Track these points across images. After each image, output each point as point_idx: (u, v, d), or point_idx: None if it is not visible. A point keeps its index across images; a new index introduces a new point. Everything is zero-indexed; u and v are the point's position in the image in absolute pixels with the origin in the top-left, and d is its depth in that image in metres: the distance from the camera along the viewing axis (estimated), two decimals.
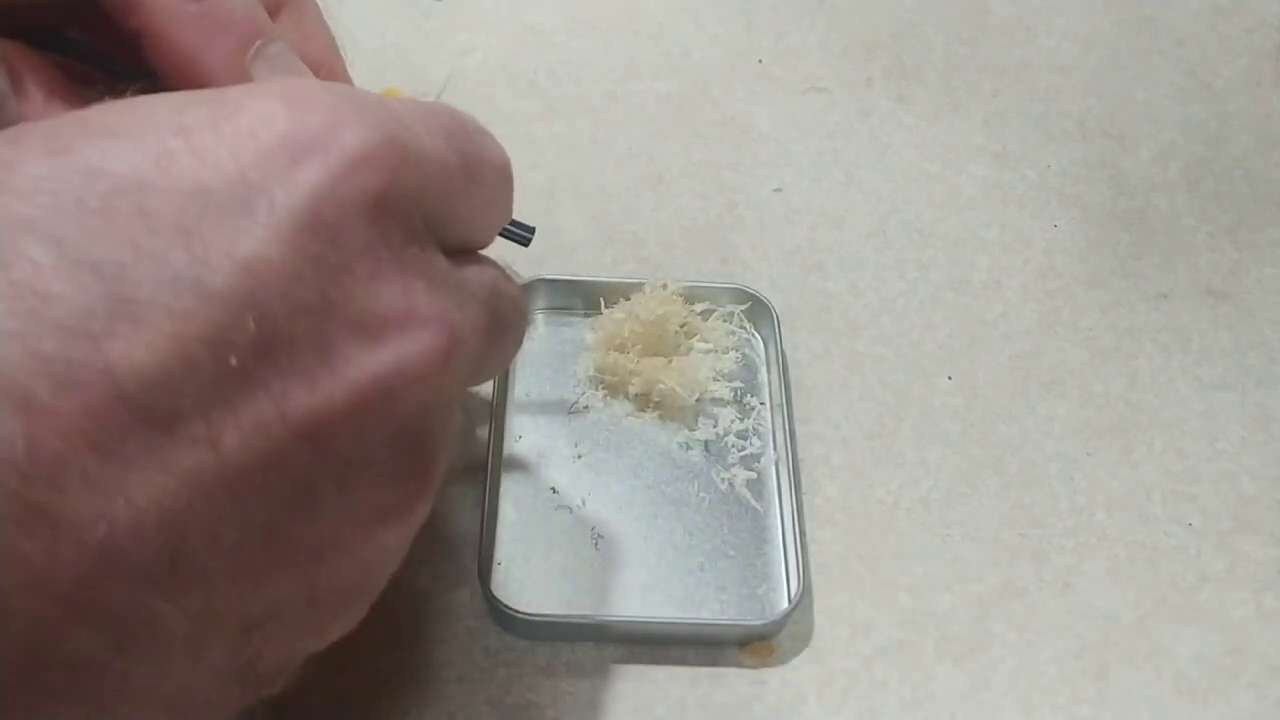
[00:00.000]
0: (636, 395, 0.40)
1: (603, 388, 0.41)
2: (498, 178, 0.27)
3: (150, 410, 0.18)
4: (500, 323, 0.26)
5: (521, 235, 0.36)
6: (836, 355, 0.43)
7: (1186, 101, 0.54)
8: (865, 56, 0.54)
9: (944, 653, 0.36)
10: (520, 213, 0.47)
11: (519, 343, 0.28)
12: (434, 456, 0.23)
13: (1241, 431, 0.42)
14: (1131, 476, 0.41)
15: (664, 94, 0.52)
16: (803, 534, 0.38)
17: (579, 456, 0.39)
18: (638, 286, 0.41)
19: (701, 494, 0.38)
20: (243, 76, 0.29)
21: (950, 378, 0.43)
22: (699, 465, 0.39)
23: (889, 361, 0.43)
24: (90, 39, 0.31)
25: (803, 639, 0.36)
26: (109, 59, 0.31)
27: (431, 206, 0.24)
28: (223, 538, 0.19)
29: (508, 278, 0.27)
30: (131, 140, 0.20)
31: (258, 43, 0.29)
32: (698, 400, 0.40)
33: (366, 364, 0.21)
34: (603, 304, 0.42)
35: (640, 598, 0.36)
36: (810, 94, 0.52)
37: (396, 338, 0.22)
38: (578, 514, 0.37)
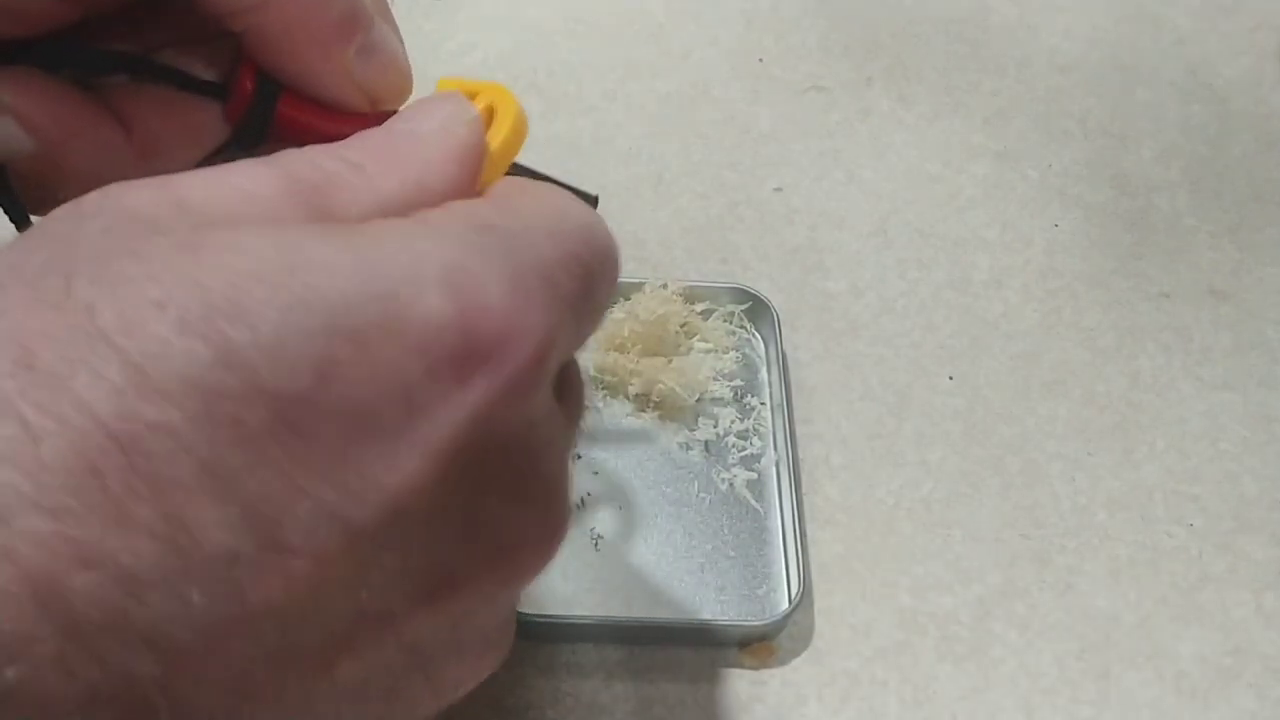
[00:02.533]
0: (636, 395, 0.40)
1: (603, 388, 0.41)
2: (612, 288, 0.25)
3: (284, 652, 0.18)
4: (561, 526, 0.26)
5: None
6: (837, 355, 0.43)
7: (1188, 101, 0.54)
8: (865, 56, 0.54)
9: (945, 653, 0.36)
10: None
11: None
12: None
13: (1243, 431, 0.42)
14: (1133, 477, 0.41)
15: (664, 94, 0.52)
16: (803, 534, 0.38)
17: (579, 456, 0.39)
18: (638, 286, 0.41)
19: (701, 494, 0.38)
20: (343, 70, 0.27)
21: (951, 378, 0.43)
22: (699, 465, 0.39)
23: (889, 361, 0.43)
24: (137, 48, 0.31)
25: (803, 639, 0.36)
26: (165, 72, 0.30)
27: (565, 351, 0.23)
28: None
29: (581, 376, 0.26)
30: (294, 340, 0.18)
31: (359, 36, 0.28)
32: (698, 400, 0.40)
33: (484, 583, 0.21)
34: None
35: (640, 598, 0.36)
36: (810, 94, 0.52)
37: (516, 554, 0.21)
38: (578, 514, 0.37)
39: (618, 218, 0.47)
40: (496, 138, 0.26)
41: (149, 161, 0.30)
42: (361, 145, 0.23)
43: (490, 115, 0.27)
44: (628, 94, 0.51)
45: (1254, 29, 0.57)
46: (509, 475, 0.21)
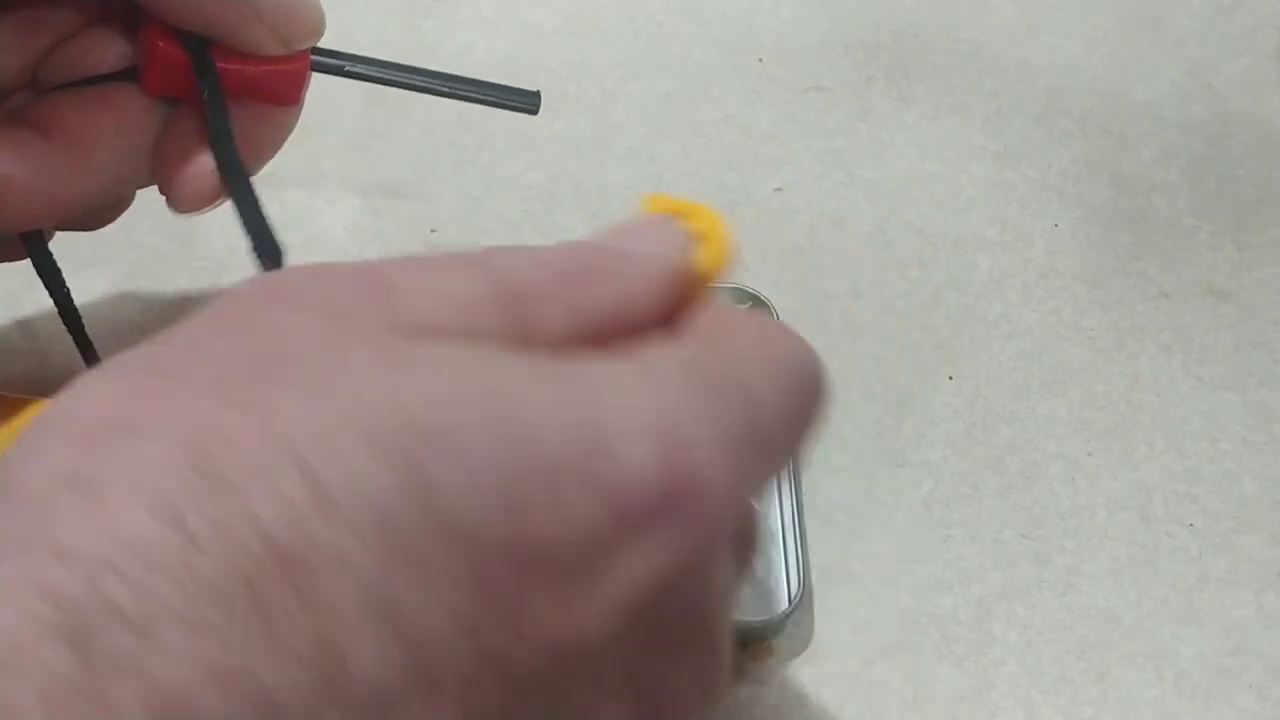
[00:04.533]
0: None
1: None
2: (815, 430, 0.23)
3: None
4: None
5: (526, 106, 0.34)
6: (837, 355, 0.43)
7: (1188, 101, 0.54)
8: (865, 56, 0.54)
9: (945, 654, 0.36)
10: (520, 212, 0.47)
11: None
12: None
13: (1243, 432, 0.42)
14: (1133, 477, 0.41)
15: (664, 94, 0.52)
16: (803, 534, 0.38)
17: None
18: None
19: None
20: (251, 13, 0.27)
21: (951, 378, 0.43)
22: None
23: (889, 361, 0.43)
24: None
25: (803, 640, 0.36)
26: None
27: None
28: None
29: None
30: (488, 476, 0.17)
31: None
32: None
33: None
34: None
35: None
36: (811, 93, 0.52)
37: (670, 709, 0.20)
38: None
39: (618, 218, 0.47)
40: (704, 262, 0.25)
41: (82, 159, 0.30)
42: (573, 256, 0.22)
43: (698, 237, 0.25)
44: (628, 94, 0.51)
45: (1254, 29, 0.57)
46: (676, 635, 0.19)
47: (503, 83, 0.35)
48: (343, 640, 0.15)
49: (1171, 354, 0.44)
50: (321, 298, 0.18)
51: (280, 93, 0.32)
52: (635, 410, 0.18)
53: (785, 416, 0.21)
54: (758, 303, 0.42)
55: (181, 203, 0.31)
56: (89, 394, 0.17)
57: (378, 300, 0.19)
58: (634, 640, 0.18)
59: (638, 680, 0.19)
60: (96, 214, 0.34)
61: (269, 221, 0.31)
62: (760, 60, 0.53)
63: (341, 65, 0.33)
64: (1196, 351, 0.44)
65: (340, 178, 0.47)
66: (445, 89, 0.35)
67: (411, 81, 0.34)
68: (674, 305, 0.23)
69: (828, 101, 0.52)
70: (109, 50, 0.31)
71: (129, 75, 0.30)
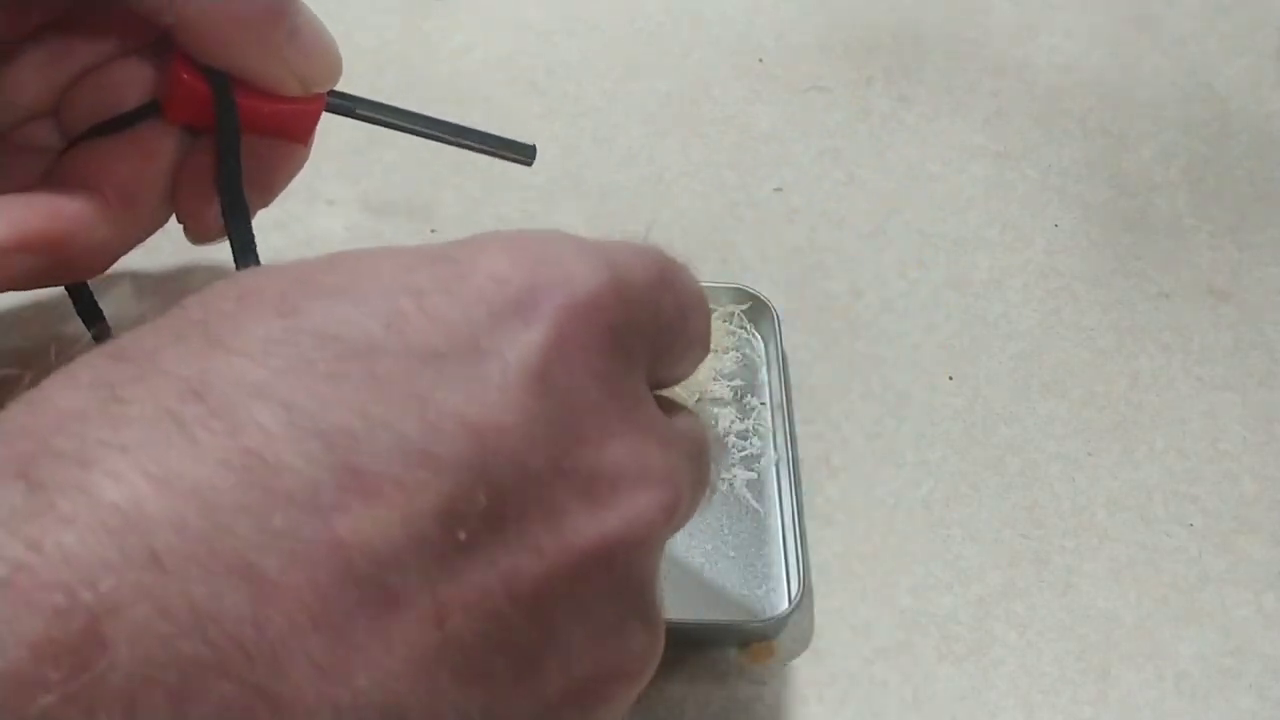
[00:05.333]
0: None
1: None
2: (701, 312, 0.26)
3: (378, 588, 0.17)
4: (704, 477, 0.25)
5: (521, 158, 0.36)
6: (836, 355, 0.43)
7: (1188, 101, 0.54)
8: (865, 56, 0.54)
9: (945, 654, 0.36)
10: (520, 212, 0.47)
11: (712, 491, 0.27)
12: (658, 618, 0.23)
13: (1243, 432, 0.42)
14: (1133, 477, 0.41)
15: (664, 94, 0.52)
16: (803, 534, 0.38)
17: None
18: None
19: None
20: (277, 55, 0.28)
21: (951, 377, 0.43)
22: None
23: (889, 361, 0.43)
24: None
25: (803, 640, 0.36)
26: None
27: (649, 349, 0.23)
28: None
29: (705, 426, 0.26)
30: (360, 301, 0.19)
31: (287, 18, 0.28)
32: (698, 400, 0.40)
33: (593, 529, 0.20)
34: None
35: None
36: (811, 93, 0.52)
37: (625, 499, 0.21)
38: None
39: (618, 218, 0.47)
40: None
41: (133, 209, 0.31)
42: None
43: None
44: (628, 94, 0.51)
45: (1254, 29, 0.57)
46: (597, 414, 0.21)
47: (502, 135, 0.37)
48: (261, 443, 0.17)
49: (1171, 354, 0.44)
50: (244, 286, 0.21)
51: (294, 131, 0.33)
52: (483, 238, 0.21)
53: (647, 260, 0.24)
54: (758, 303, 0.42)
55: (199, 236, 0.33)
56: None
57: (271, 291, 0.21)
58: (550, 427, 0.20)
59: (572, 464, 0.20)
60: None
61: (253, 239, 0.32)
62: (760, 60, 0.53)
63: (353, 108, 0.35)
64: (1196, 351, 0.44)
65: (340, 179, 0.47)
66: (448, 137, 0.37)
67: (416, 127, 0.36)
68: None
69: (828, 101, 0.52)
70: (133, 82, 0.32)
71: (152, 110, 0.31)
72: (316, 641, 0.17)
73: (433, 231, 0.46)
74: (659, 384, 0.25)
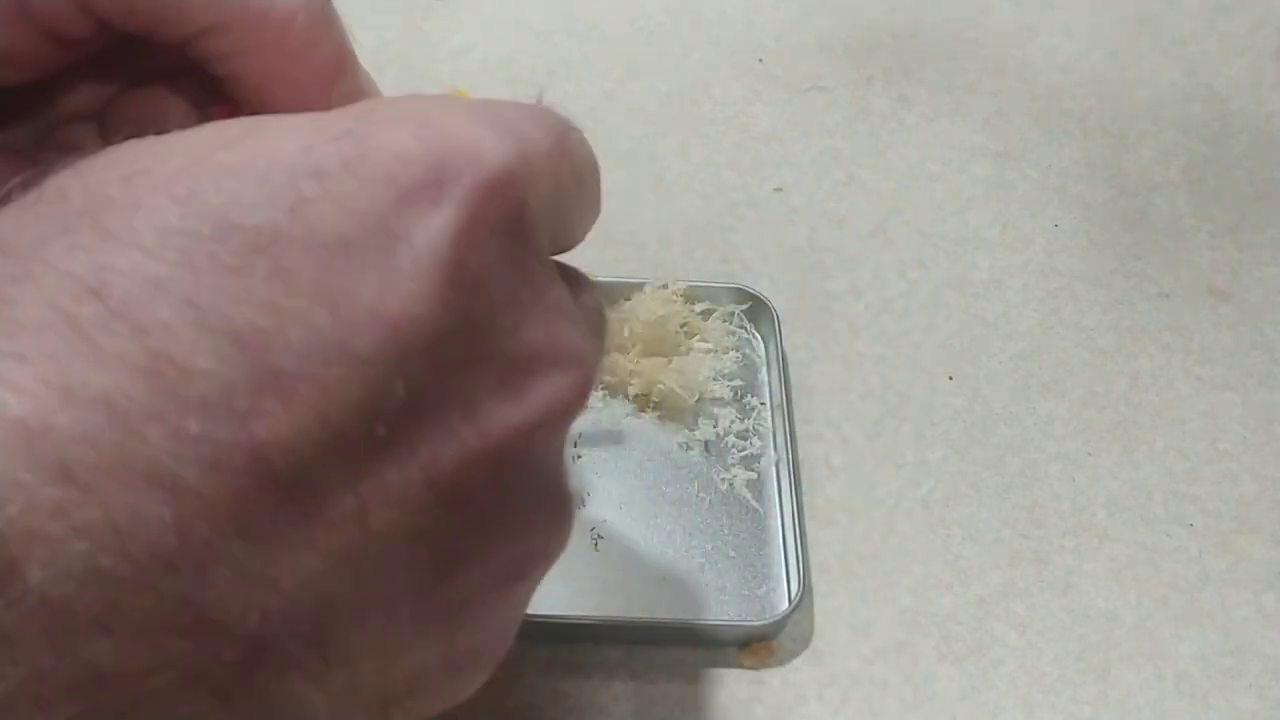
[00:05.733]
0: (636, 395, 0.40)
1: (602, 388, 0.41)
2: (594, 177, 0.25)
3: (300, 489, 0.17)
4: (603, 348, 0.25)
5: None
6: (836, 355, 0.43)
7: (1187, 101, 0.54)
8: (865, 56, 0.54)
9: (945, 653, 0.36)
10: None
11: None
12: (569, 496, 0.22)
13: (1243, 432, 0.42)
14: (1133, 477, 0.41)
15: (664, 94, 0.52)
16: (803, 534, 0.38)
17: (579, 457, 0.39)
18: (638, 287, 0.41)
19: (701, 494, 0.38)
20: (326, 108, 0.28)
21: (951, 378, 0.43)
22: (699, 465, 0.39)
23: (889, 361, 0.43)
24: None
25: (803, 640, 0.36)
26: None
27: (553, 221, 0.22)
28: (369, 615, 0.18)
29: (600, 296, 0.26)
30: (261, 184, 0.18)
31: (342, 81, 0.28)
32: (698, 400, 0.40)
33: (512, 415, 0.20)
34: (603, 304, 0.42)
35: (640, 598, 0.36)
36: (810, 93, 0.52)
37: (541, 384, 0.20)
38: (578, 514, 0.37)
39: (618, 218, 0.47)
40: None
41: None
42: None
43: None
44: (628, 94, 0.51)
45: (1254, 29, 0.57)
46: (511, 296, 0.20)
47: None
48: (169, 344, 0.16)
49: (1171, 354, 0.44)
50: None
51: None
52: (379, 109, 0.20)
53: (545, 120, 0.22)
54: (758, 303, 0.42)
55: None
56: None
57: (162, 172, 0.20)
58: (465, 315, 0.19)
59: (487, 355, 0.20)
60: None
61: None
62: (760, 60, 0.53)
63: None
64: (1196, 351, 0.44)
65: None
66: None
67: None
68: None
69: (828, 101, 0.52)
70: (174, 107, 0.31)
71: None
72: (240, 547, 0.16)
73: None
74: (556, 251, 0.24)
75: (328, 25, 0.27)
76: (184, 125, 0.32)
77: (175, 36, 0.26)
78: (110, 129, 0.32)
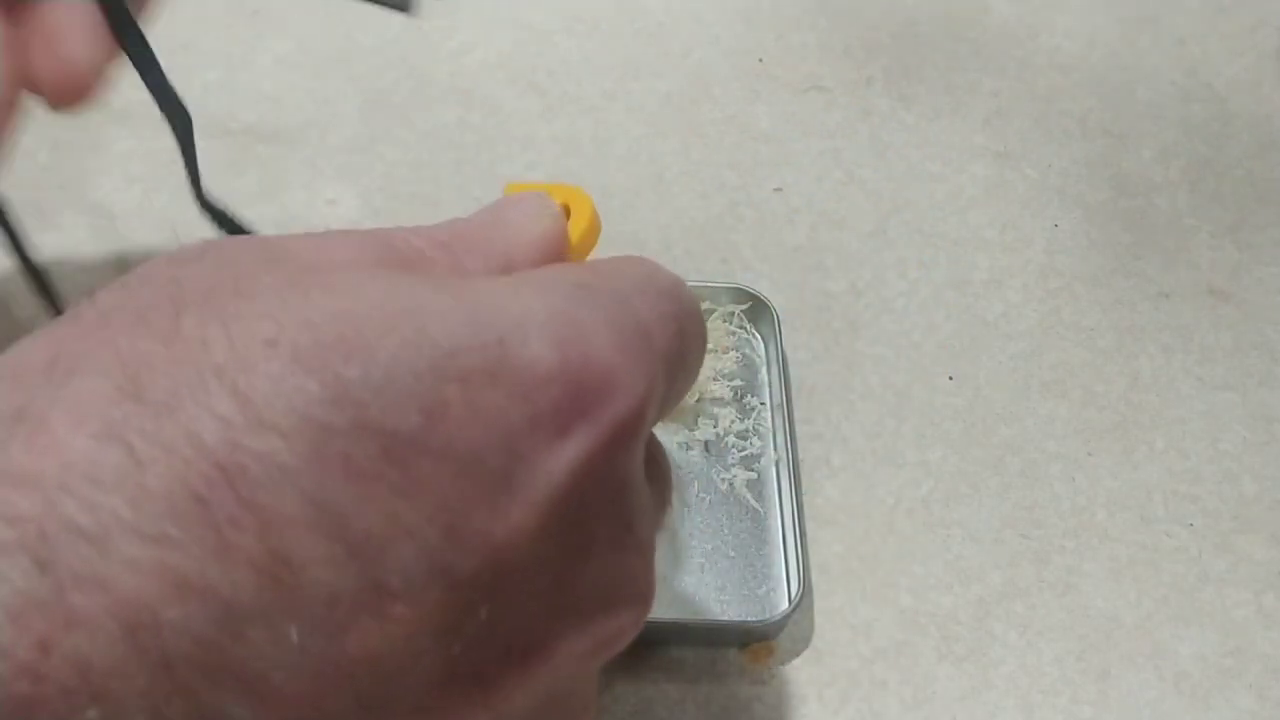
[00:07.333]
0: None
1: None
2: (700, 358, 0.25)
3: (374, 701, 0.17)
4: (666, 509, 0.25)
5: (397, 5, 0.35)
6: (836, 355, 0.43)
7: (1188, 101, 0.54)
8: (865, 56, 0.54)
9: (945, 654, 0.36)
10: None
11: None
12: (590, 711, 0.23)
13: (1243, 432, 0.42)
14: (1133, 477, 0.41)
15: (664, 94, 0.52)
16: (803, 534, 0.38)
17: None
18: None
19: (701, 494, 0.38)
20: None
21: (951, 378, 0.43)
22: (699, 465, 0.39)
23: (889, 361, 0.43)
24: None
25: (803, 640, 0.36)
26: None
27: (660, 415, 0.22)
28: None
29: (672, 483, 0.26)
30: (406, 380, 0.17)
31: None
32: (698, 400, 0.40)
33: (575, 645, 0.20)
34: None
35: None
36: (810, 93, 0.52)
37: (607, 618, 0.21)
38: None
39: (618, 218, 0.47)
40: (575, 231, 0.27)
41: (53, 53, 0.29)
42: (450, 228, 0.23)
43: (566, 211, 0.28)
44: (628, 94, 0.51)
45: (1254, 29, 0.57)
46: (606, 534, 0.20)
47: None
48: (289, 546, 0.16)
49: (1171, 354, 0.44)
50: (222, 253, 0.20)
51: None
52: (530, 310, 0.19)
53: (669, 326, 0.22)
54: (758, 303, 0.42)
55: (63, 95, 0.30)
56: (24, 346, 0.18)
57: (275, 250, 0.20)
58: (566, 541, 0.19)
59: (575, 585, 0.20)
60: None
61: (168, 79, 0.30)
62: (760, 60, 0.53)
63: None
64: (1196, 351, 0.44)
65: (341, 178, 0.47)
66: None
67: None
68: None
69: (828, 101, 0.52)
70: None
71: None
72: None
73: None
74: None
75: None
76: None
77: None
78: None
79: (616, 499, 0.20)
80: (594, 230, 0.28)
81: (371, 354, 0.17)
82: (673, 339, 0.22)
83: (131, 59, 0.30)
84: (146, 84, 0.30)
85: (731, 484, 0.38)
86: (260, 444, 0.16)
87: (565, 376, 0.19)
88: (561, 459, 0.19)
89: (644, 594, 0.22)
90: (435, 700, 0.18)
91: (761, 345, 0.42)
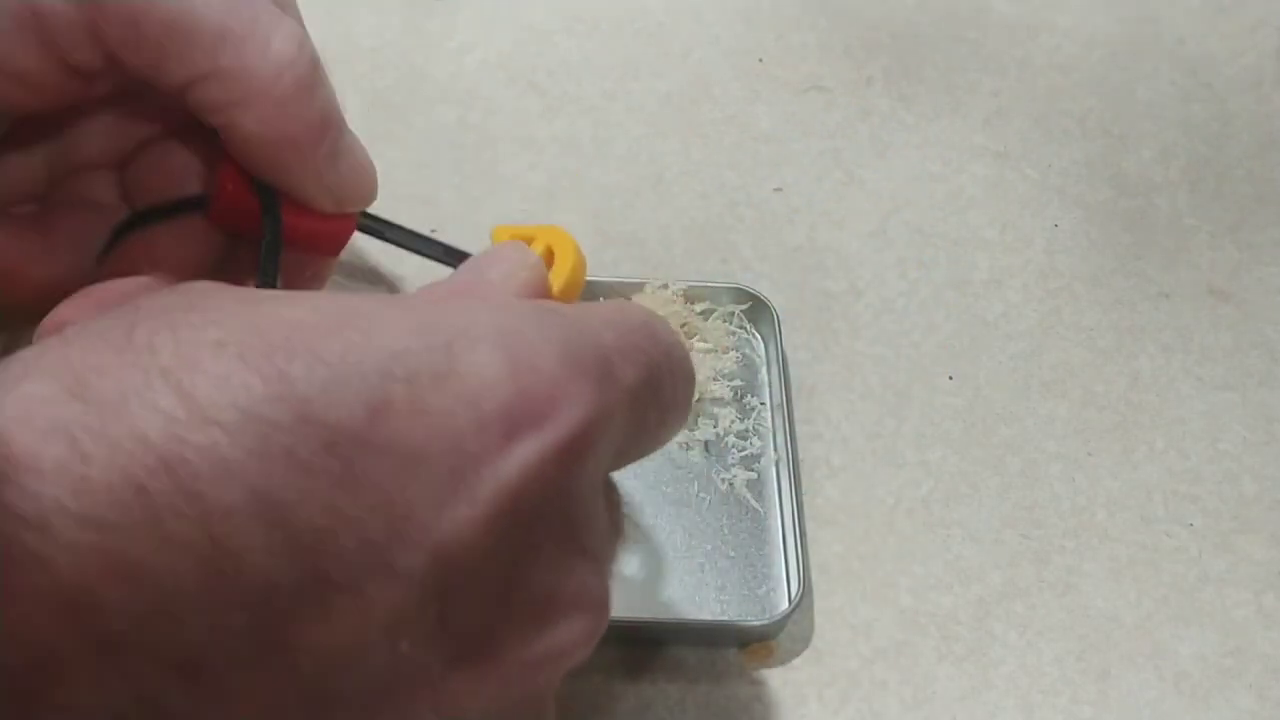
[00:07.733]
0: None
1: None
2: (685, 404, 0.25)
3: (318, 693, 0.17)
4: (619, 544, 0.25)
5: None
6: (836, 355, 0.43)
7: (1188, 101, 0.54)
8: (865, 56, 0.54)
9: (945, 654, 0.36)
10: (520, 212, 0.47)
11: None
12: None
13: (1243, 432, 0.42)
14: (1133, 477, 0.41)
15: (664, 94, 0.52)
16: (803, 534, 0.38)
17: None
18: (638, 287, 0.41)
19: (701, 494, 0.38)
20: (315, 171, 0.28)
21: (951, 378, 0.43)
22: (699, 465, 0.39)
23: (889, 361, 0.43)
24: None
25: (803, 640, 0.36)
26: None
27: (620, 449, 0.23)
28: None
29: (624, 516, 0.27)
30: (350, 379, 0.18)
31: (330, 138, 0.28)
32: (698, 400, 0.40)
33: (525, 652, 0.20)
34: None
35: (640, 598, 0.36)
36: (810, 93, 0.52)
37: (559, 625, 0.21)
38: None
39: (618, 218, 0.47)
40: (558, 279, 0.27)
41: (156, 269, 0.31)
42: (429, 292, 0.24)
43: (550, 257, 0.28)
44: (628, 94, 0.51)
45: (1254, 29, 0.57)
46: (556, 542, 0.20)
47: (433, 238, 0.38)
48: (230, 534, 0.16)
49: (1171, 354, 0.44)
50: (189, 288, 0.20)
51: (324, 246, 0.34)
52: (479, 322, 0.20)
53: (635, 358, 0.22)
54: (758, 303, 0.42)
55: None
56: None
57: (238, 293, 0.20)
58: (513, 547, 0.19)
59: (524, 591, 0.20)
60: None
61: None
62: (760, 60, 0.53)
63: (382, 231, 0.36)
64: (1196, 351, 0.44)
65: None
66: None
67: (432, 253, 0.37)
68: None
69: (828, 101, 0.52)
70: (193, 165, 0.32)
71: (200, 203, 0.32)
72: None
73: (433, 231, 0.46)
74: (618, 466, 0.24)
75: (316, 82, 0.27)
76: (200, 186, 0.32)
77: (176, 79, 0.26)
78: (129, 183, 0.33)
79: (566, 509, 0.20)
80: (578, 277, 0.28)
81: (317, 353, 0.18)
82: (640, 371, 0.22)
83: None
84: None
85: (731, 484, 0.38)
86: (202, 438, 0.17)
87: (513, 384, 0.19)
88: (510, 462, 0.19)
89: (597, 607, 0.22)
90: (382, 699, 0.18)
91: (761, 345, 0.42)
